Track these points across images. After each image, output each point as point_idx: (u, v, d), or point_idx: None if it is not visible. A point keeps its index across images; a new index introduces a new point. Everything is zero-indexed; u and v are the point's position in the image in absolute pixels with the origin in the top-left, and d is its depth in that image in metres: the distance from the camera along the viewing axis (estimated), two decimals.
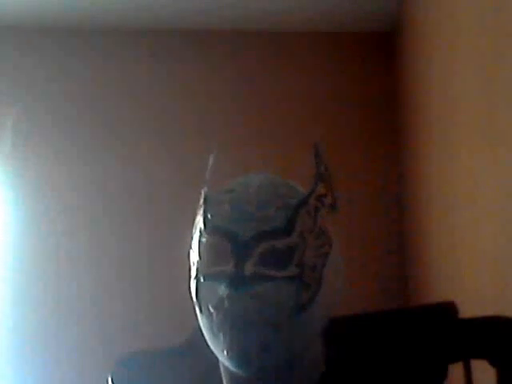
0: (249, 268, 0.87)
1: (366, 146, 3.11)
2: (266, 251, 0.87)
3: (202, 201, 0.96)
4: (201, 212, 0.95)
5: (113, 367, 1.16)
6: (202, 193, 0.96)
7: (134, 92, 3.12)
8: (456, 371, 1.17)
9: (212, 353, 0.92)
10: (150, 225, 3.00)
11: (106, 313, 2.91)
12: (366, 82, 3.16)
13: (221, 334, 0.87)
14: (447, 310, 1.19)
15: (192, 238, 0.96)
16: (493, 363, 1.12)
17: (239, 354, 0.86)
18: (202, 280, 0.91)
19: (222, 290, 0.87)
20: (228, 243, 0.88)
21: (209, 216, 0.92)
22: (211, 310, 0.88)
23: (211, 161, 1.01)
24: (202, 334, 0.92)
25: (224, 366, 0.94)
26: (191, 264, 0.94)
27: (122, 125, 3.09)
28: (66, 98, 3.08)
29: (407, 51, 2.90)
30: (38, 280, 2.92)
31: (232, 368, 0.89)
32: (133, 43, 3.14)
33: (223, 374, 0.95)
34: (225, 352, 0.87)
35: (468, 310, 1.23)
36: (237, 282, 0.86)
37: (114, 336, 2.84)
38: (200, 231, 0.93)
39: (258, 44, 3.16)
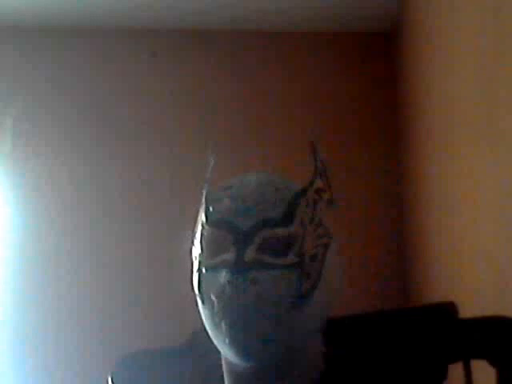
0: (249, 255, 0.88)
1: (366, 146, 3.11)
2: (267, 239, 0.89)
3: (203, 198, 0.97)
4: (202, 207, 0.96)
5: (113, 367, 1.16)
6: (204, 192, 0.98)
7: (134, 92, 3.12)
8: (456, 371, 1.17)
9: (213, 351, 0.92)
10: (150, 225, 3.00)
11: (106, 313, 2.91)
12: (365, 82, 3.16)
13: (222, 323, 0.88)
14: (447, 309, 1.20)
15: (194, 234, 0.97)
16: (493, 363, 1.12)
17: (240, 344, 0.87)
18: (204, 271, 0.92)
19: (223, 276, 0.88)
20: (229, 234, 0.90)
21: (210, 209, 0.94)
22: (213, 298, 0.89)
23: (211, 161, 1.01)
24: (204, 329, 0.92)
25: (226, 362, 0.94)
26: (193, 258, 0.96)
27: (121, 125, 3.09)
28: (65, 98, 3.08)
29: (407, 51, 2.89)
30: (38, 280, 2.92)
31: (233, 359, 0.89)
32: (133, 43, 3.14)
33: (225, 371, 0.96)
34: (226, 341, 0.88)
35: (468, 310, 1.23)
36: (237, 267, 0.87)
37: (114, 336, 2.84)
38: (202, 225, 0.95)
39: (258, 44, 3.16)
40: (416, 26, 2.72)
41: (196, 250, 0.95)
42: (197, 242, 0.96)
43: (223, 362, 0.96)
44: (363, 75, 3.16)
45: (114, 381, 1.14)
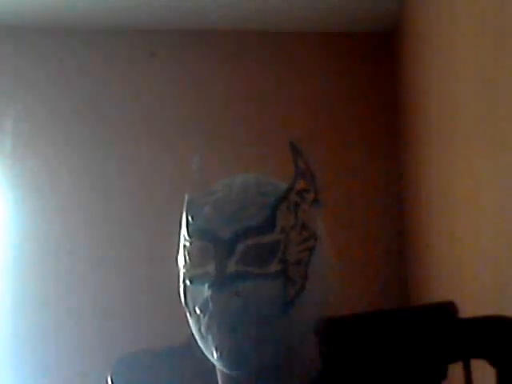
0: (230, 267, 0.86)
1: (366, 146, 3.11)
2: (248, 249, 0.87)
3: (185, 205, 0.96)
4: (184, 216, 0.95)
5: (112, 367, 1.16)
6: (186, 197, 0.97)
7: (134, 92, 3.12)
8: (456, 371, 1.17)
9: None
10: (150, 225, 3.00)
11: (106, 313, 2.91)
12: (365, 82, 3.16)
13: (209, 336, 0.87)
14: (447, 310, 1.19)
15: (179, 242, 0.96)
16: (493, 363, 1.12)
17: (228, 355, 0.86)
18: (188, 283, 0.91)
19: (206, 290, 0.87)
20: (210, 244, 0.89)
21: (190, 219, 0.93)
22: (198, 311, 0.88)
23: (196, 164, 1.01)
24: (195, 338, 0.92)
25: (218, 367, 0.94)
26: (179, 268, 0.95)
27: (121, 125, 3.09)
28: (65, 98, 3.08)
29: (407, 51, 2.90)
30: (38, 280, 2.92)
31: (223, 369, 0.89)
32: (133, 43, 3.14)
33: (219, 375, 0.96)
34: (214, 353, 0.87)
35: (468, 310, 1.23)
36: (219, 281, 0.86)
37: (114, 336, 2.84)
38: (184, 234, 0.94)
39: (258, 44, 3.16)
40: (416, 26, 2.72)
41: (180, 260, 0.94)
42: (181, 251, 0.94)
43: (216, 366, 0.95)
44: (363, 75, 3.16)
45: (113, 381, 1.14)
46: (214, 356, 0.88)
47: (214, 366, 0.96)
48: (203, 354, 0.91)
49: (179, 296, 0.94)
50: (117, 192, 3.03)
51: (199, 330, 0.89)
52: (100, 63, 3.12)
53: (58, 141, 3.05)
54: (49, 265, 2.94)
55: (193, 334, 0.92)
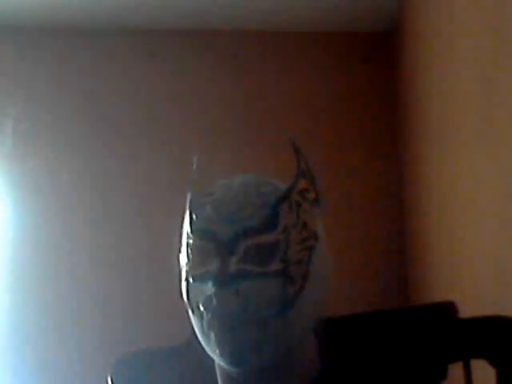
0: (232, 266, 0.87)
1: (366, 146, 3.11)
2: (250, 248, 0.88)
3: (187, 204, 0.96)
4: (186, 215, 0.95)
5: (112, 367, 1.16)
6: (188, 196, 0.97)
7: (134, 92, 3.12)
8: (456, 371, 1.17)
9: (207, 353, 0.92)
10: (150, 225, 3.00)
11: (106, 313, 2.91)
12: (365, 82, 3.16)
13: (211, 333, 0.88)
14: (447, 309, 1.19)
15: (180, 240, 0.96)
16: (493, 363, 1.12)
17: (229, 353, 0.87)
18: (191, 281, 0.92)
19: (209, 288, 0.87)
20: (212, 245, 0.89)
21: (194, 218, 0.93)
22: (201, 308, 0.88)
23: (195, 164, 1.01)
24: (196, 336, 0.92)
25: (219, 366, 0.94)
26: (181, 267, 0.95)
27: (121, 124, 3.09)
28: (65, 98, 3.08)
29: (407, 51, 2.90)
30: (38, 280, 2.92)
31: (225, 366, 0.89)
32: (132, 43, 3.14)
33: (219, 374, 0.96)
34: (216, 351, 0.88)
35: (468, 310, 1.23)
36: (221, 279, 0.87)
37: (114, 336, 2.84)
38: (187, 233, 0.94)
39: (258, 44, 3.16)
40: (416, 26, 2.72)
41: (183, 259, 0.95)
42: (183, 250, 0.95)
43: (216, 365, 0.96)
44: (363, 75, 3.16)
45: (113, 381, 1.14)
46: (215, 353, 0.88)
47: (214, 365, 0.96)
48: (204, 351, 0.92)
49: (180, 294, 0.94)
50: (117, 192, 3.03)
51: (202, 326, 0.89)
52: (100, 63, 3.12)
53: (58, 141, 3.05)
54: (49, 265, 2.94)
55: (194, 332, 0.93)
